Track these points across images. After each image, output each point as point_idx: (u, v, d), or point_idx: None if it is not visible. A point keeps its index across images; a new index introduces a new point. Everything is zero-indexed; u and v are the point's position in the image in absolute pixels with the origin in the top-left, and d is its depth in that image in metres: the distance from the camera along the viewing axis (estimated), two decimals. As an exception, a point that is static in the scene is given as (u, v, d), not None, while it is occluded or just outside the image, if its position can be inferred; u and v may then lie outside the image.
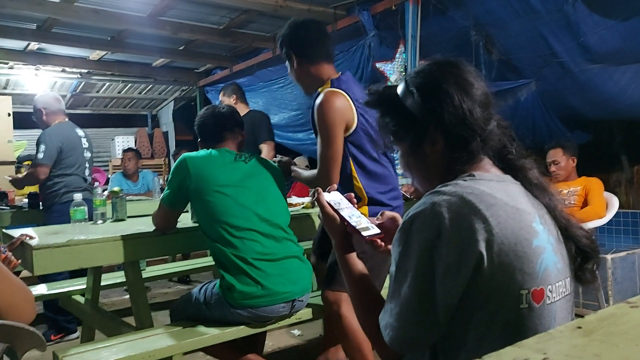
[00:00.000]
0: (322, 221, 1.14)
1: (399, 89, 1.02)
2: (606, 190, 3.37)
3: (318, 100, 1.96)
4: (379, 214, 1.21)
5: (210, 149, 2.05)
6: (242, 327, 1.96)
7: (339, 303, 1.99)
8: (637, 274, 3.32)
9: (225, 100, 3.74)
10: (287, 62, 2.12)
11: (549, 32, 3.29)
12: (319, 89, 2.03)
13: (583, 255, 0.97)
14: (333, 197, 1.15)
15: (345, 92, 1.96)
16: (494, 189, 0.90)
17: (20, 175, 3.76)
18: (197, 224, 2.09)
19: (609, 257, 3.19)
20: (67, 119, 3.52)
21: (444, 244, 0.84)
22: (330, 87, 1.98)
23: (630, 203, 4.22)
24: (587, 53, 3.25)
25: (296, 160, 5.88)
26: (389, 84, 3.82)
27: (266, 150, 3.53)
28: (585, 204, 3.27)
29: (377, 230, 1.12)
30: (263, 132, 3.58)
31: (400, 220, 0.98)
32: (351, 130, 1.96)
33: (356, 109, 1.96)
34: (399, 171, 3.74)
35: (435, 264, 0.85)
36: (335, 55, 4.55)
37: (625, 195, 4.23)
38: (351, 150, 1.98)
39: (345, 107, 1.93)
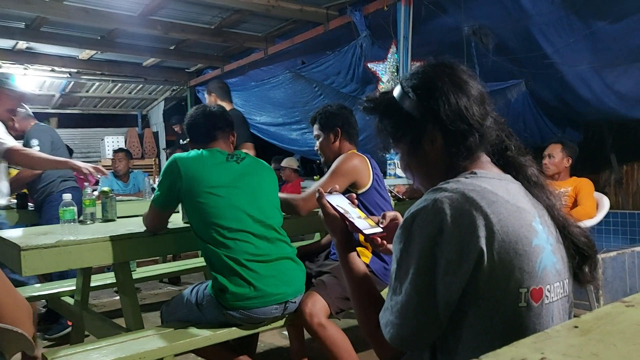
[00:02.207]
0: (323, 221, 1.14)
1: (396, 92, 1.03)
2: (596, 190, 3.39)
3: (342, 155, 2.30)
4: (380, 216, 1.21)
5: (201, 149, 2.03)
6: (234, 328, 1.94)
7: (314, 314, 2.01)
8: (627, 274, 3.34)
9: (207, 99, 3.72)
10: (319, 132, 2.38)
11: (538, 32, 3.32)
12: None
13: (581, 254, 0.97)
14: (334, 198, 1.16)
15: (366, 157, 2.29)
16: (495, 187, 0.90)
17: None
18: (188, 225, 2.07)
19: (599, 257, 3.21)
20: (37, 121, 3.52)
21: (445, 240, 0.84)
22: (355, 152, 2.33)
23: (620, 203, 4.26)
24: (577, 54, 3.28)
25: (287, 160, 5.89)
26: (381, 83, 3.83)
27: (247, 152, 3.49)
28: (575, 204, 3.29)
29: (379, 229, 1.14)
30: (243, 133, 3.54)
31: (401, 219, 0.98)
32: (365, 189, 2.23)
33: (372, 172, 2.26)
34: (395, 172, 3.75)
35: (437, 260, 0.85)
36: (327, 55, 4.57)
37: (614, 195, 4.27)
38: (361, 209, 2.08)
39: (362, 167, 2.24)
